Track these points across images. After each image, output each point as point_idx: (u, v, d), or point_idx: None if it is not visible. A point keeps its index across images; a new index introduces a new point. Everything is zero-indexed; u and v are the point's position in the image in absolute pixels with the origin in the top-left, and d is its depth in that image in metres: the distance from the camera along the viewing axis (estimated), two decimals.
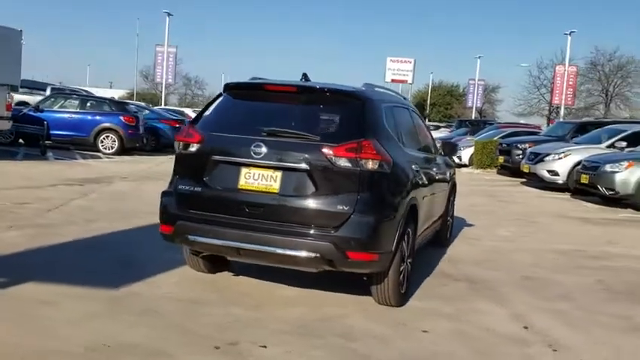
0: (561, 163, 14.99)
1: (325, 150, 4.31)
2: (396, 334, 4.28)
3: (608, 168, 12.51)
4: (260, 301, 4.79)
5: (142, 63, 77.99)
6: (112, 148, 16.45)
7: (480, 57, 53.96)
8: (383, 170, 4.41)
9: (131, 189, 10.63)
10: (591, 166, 13.05)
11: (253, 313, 4.50)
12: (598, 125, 18.90)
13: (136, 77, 62.26)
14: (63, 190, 9.74)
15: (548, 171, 15.07)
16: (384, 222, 4.38)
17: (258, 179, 4.44)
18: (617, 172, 12.28)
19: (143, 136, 17.44)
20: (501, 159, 19.42)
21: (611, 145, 14.84)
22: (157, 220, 4.84)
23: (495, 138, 22.22)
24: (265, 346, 3.86)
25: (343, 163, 4.30)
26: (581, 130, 19.14)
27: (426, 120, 60.48)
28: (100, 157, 15.65)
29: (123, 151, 16.60)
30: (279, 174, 4.41)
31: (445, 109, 72.09)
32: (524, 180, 16.80)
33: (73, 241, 6.25)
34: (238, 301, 4.74)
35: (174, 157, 4.92)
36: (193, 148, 4.67)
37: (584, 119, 31.08)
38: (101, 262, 5.62)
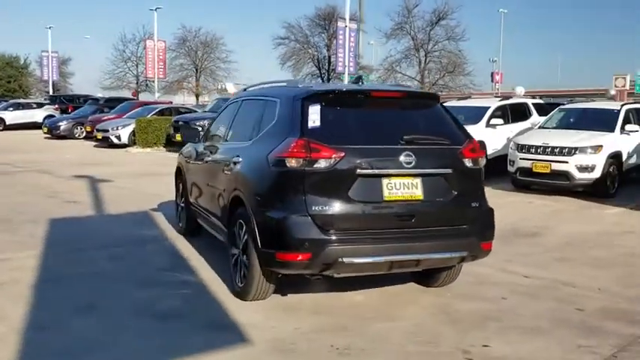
0: None
1: (458, 152, 4.57)
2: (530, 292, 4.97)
3: None
4: (378, 310, 4.76)
5: None
6: None
7: (51, 27, 49.84)
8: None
9: None
10: None
11: (403, 323, 4.50)
12: None
13: None
14: None
15: None
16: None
17: (401, 189, 4.38)
18: None
19: None
20: (179, 136, 19.68)
21: None
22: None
23: (149, 115, 22.39)
24: (489, 345, 4.08)
25: (469, 162, 4.65)
26: None
27: None
28: None
29: None
30: (418, 180, 4.44)
31: (7, 82, 65.05)
32: None
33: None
34: (364, 315, 4.60)
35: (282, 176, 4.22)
36: (324, 163, 4.17)
37: None
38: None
